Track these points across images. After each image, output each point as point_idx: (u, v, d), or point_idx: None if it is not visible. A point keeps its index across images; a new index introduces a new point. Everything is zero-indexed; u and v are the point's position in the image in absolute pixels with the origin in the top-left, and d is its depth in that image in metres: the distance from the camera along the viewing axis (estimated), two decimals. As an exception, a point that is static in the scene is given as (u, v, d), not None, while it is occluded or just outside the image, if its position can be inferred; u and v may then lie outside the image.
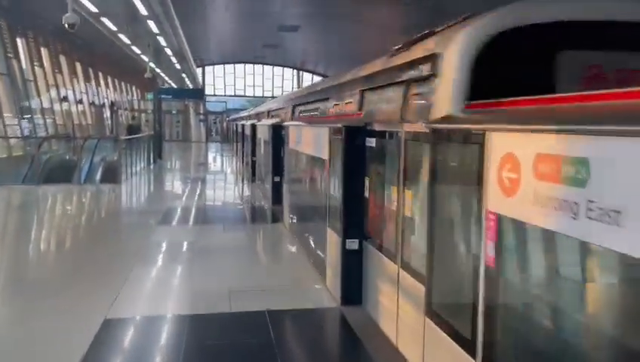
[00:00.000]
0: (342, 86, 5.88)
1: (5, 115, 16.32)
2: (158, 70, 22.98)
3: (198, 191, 13.11)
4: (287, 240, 7.79)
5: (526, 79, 2.72)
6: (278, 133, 10.55)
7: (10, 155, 16.05)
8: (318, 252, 6.15)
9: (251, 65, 48.66)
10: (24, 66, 18.56)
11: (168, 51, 16.32)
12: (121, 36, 13.61)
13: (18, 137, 16.20)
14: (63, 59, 22.79)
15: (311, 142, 6.47)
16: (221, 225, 8.75)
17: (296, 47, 40.34)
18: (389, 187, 4.55)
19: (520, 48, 3.00)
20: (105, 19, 11.12)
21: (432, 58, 3.37)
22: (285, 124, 9.01)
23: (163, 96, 19.04)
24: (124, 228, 8.52)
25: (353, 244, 5.01)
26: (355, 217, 4.98)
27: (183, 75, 25.38)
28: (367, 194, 4.89)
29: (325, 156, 5.68)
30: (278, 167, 10.60)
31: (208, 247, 7.22)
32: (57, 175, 16.10)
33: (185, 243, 7.50)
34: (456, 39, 3.16)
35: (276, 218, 9.45)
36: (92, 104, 25.94)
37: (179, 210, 10.29)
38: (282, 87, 50.29)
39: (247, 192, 13.25)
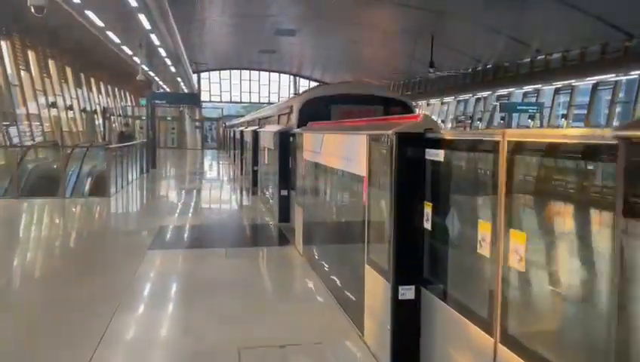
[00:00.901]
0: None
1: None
2: (152, 74, 21.54)
3: (194, 206, 11.70)
4: (303, 270, 6.42)
5: (319, 117, 7.69)
6: (286, 141, 9.21)
7: (-8, 165, 14.60)
8: (349, 293, 4.80)
9: (247, 71, 47.37)
10: (9, 71, 17.14)
11: (162, 52, 14.95)
12: (110, 34, 12.17)
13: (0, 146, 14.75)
14: (51, 63, 21.38)
15: (338, 152, 5.12)
16: (222, 249, 7.37)
17: (293, 52, 39.11)
18: (466, 218, 3.21)
19: (317, 105, 9.07)
20: (90, 13, 9.72)
21: (291, 106, 9.75)
22: (297, 130, 7.64)
23: (157, 101, 17.67)
24: (109, 255, 7.09)
25: (408, 293, 3.66)
26: (412, 256, 3.64)
27: (179, 80, 23.94)
28: (427, 225, 3.55)
29: (362, 171, 4.33)
30: (286, 180, 9.24)
31: (209, 281, 5.85)
32: (43, 186, 14.65)
33: (180, 276, 6.12)
34: (296, 101, 9.98)
35: (285, 239, 8.09)
36: (83, 110, 24.51)
37: (173, 228, 8.90)
38: (279, 93, 48.98)
39: (248, 206, 11.87)
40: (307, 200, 6.92)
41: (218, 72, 46.12)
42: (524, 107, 20.04)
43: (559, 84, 22.06)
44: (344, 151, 4.87)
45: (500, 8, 20.79)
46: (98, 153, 17.00)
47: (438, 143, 3.46)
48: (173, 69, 19.85)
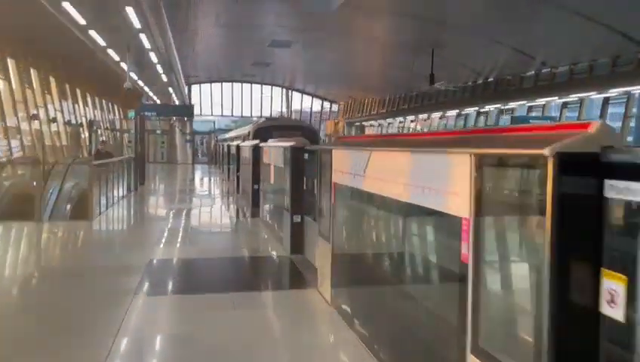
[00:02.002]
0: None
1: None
2: (141, 83, 19.85)
3: (188, 231, 10.04)
4: (336, 327, 4.86)
5: (264, 137, 12.08)
6: (299, 159, 7.70)
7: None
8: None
9: (239, 83, 45.88)
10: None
11: (153, 57, 13.35)
12: (93, 34, 10.56)
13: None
14: (34, 72, 19.69)
15: (403, 177, 3.57)
16: (227, 296, 5.76)
17: (286, 65, 37.72)
18: None
19: (265, 131, 14.16)
20: (67, 4, 8.12)
21: (249, 131, 16.23)
22: (322, 147, 6.08)
23: (147, 113, 16.07)
24: (83, 305, 5.44)
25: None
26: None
27: (170, 90, 22.28)
28: (611, 310, 2.04)
29: (459, 209, 2.81)
30: (299, 204, 7.72)
31: (215, 351, 4.27)
32: (20, 207, 12.89)
33: (176, 342, 4.52)
34: (253, 126, 16.58)
35: (301, 278, 6.54)
36: (68, 123, 22.76)
37: (165, 263, 7.29)
38: (271, 106, 47.52)
39: (250, 232, 10.27)
40: (340, 235, 5.37)
41: (209, 84, 44.56)
42: (537, 121, 18.78)
43: (569, 97, 20.84)
44: (417, 177, 3.34)
45: (503, 19, 19.60)
46: (82, 169, 15.35)
47: (629, 170, 1.97)
48: (164, 78, 18.20)
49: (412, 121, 32.70)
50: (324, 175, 5.95)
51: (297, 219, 7.72)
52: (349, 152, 4.90)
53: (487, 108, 26.15)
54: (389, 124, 35.31)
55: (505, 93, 24.68)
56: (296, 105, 47.79)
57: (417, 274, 3.80)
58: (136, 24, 8.82)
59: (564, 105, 21.40)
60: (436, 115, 30.66)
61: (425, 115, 30.66)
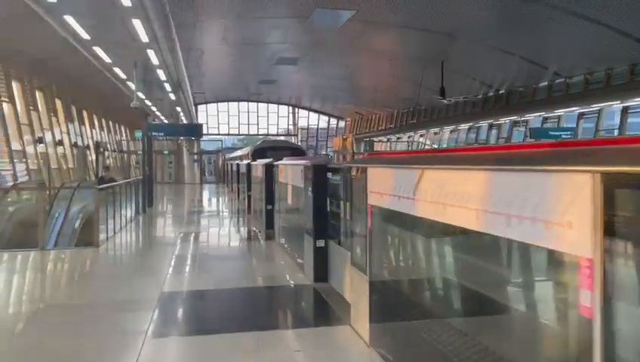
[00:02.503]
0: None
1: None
2: (148, 103, 19.27)
3: (201, 258, 9.33)
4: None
5: (261, 156, 16.24)
6: (322, 178, 7.03)
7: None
8: None
9: (245, 102, 45.54)
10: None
11: (161, 74, 12.74)
12: (98, 50, 9.95)
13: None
14: (39, 95, 19.24)
15: (476, 201, 2.87)
16: (249, 335, 5.04)
17: (293, 82, 37.32)
18: None
19: (261, 152, 18.95)
20: (70, 18, 7.54)
21: (248, 152, 21.17)
22: (354, 164, 5.38)
23: (155, 133, 15.48)
24: (88, 353, 4.72)
25: None
26: None
27: (178, 109, 21.71)
28: None
29: (578, 246, 2.12)
30: (322, 228, 7.03)
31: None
32: (24, 233, 12.32)
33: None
34: (251, 148, 21.86)
35: (330, 311, 5.84)
36: (74, 145, 22.27)
37: (179, 297, 6.60)
38: (277, 124, 47.11)
39: (266, 257, 9.56)
40: (379, 265, 4.66)
41: (216, 104, 44.22)
42: (557, 132, 18.09)
43: (589, 107, 20.15)
44: (499, 202, 2.65)
45: (513, 28, 19.02)
46: (88, 192, 14.77)
47: None
48: (172, 96, 17.61)
49: (421, 136, 32.06)
50: (355, 196, 5.27)
51: (321, 243, 7.03)
52: (390, 171, 4.22)
53: (501, 120, 25.48)
54: (397, 138, 34.69)
55: (518, 105, 24.06)
56: (302, 122, 47.36)
57: (492, 319, 3.10)
58: (144, 38, 8.25)
59: (581, 115, 20.72)
60: (447, 128, 30.03)
61: (436, 129, 29.99)
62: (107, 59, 10.85)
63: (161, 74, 12.40)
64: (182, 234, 11.74)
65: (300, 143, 47.02)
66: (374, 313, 4.65)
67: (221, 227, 13.94)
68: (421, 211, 3.60)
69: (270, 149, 18.69)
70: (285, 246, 9.42)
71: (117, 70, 12.63)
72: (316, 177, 7.04)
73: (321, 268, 7.00)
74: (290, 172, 8.78)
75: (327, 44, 25.59)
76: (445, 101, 25.57)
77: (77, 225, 13.89)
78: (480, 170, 2.81)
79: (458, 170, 3.04)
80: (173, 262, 8.69)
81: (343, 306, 5.67)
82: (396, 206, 4.05)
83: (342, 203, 6.36)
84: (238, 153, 26.36)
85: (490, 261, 3.16)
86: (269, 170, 12.02)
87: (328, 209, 6.99)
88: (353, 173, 5.28)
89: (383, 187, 4.35)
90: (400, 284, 4.43)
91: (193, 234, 12.06)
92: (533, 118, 23.26)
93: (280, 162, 10.29)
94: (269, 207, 12.03)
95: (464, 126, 28.56)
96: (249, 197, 16.43)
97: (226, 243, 11.49)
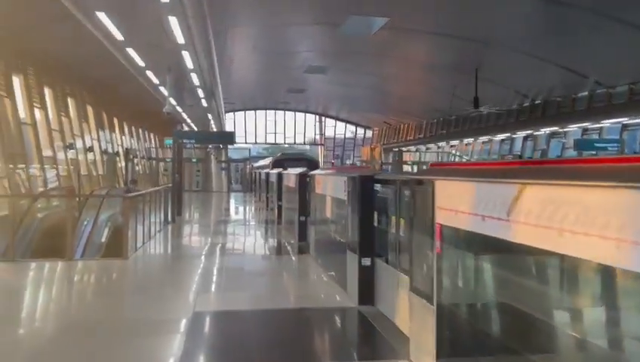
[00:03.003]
0: None
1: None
2: (179, 109, 18.85)
3: (233, 273, 8.69)
4: None
5: (279, 167, 18.00)
6: (368, 190, 6.39)
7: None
8: None
9: (272, 111, 45.26)
10: (20, 108, 14.78)
11: (195, 79, 12.24)
12: (131, 52, 9.52)
13: None
14: (71, 101, 19.09)
15: (611, 228, 2.20)
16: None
17: (321, 90, 36.82)
18: None
19: (280, 162, 22.26)
20: (103, 16, 7.09)
21: (269, 163, 25.58)
22: (423, 177, 4.65)
23: (185, 140, 15.05)
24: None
25: None
26: None
27: (209, 116, 21.29)
28: None
29: None
30: (368, 245, 6.38)
31: None
32: (53, 241, 11.91)
33: None
34: (272, 159, 26.47)
35: (382, 341, 5.19)
36: (104, 152, 22.10)
37: (213, 318, 6.00)
38: (304, 133, 46.68)
39: (302, 271, 8.93)
40: (451, 295, 3.98)
41: (243, 112, 44.02)
42: (603, 144, 17.11)
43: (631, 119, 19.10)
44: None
45: (551, 35, 18.13)
46: (117, 199, 14.39)
47: None
48: (204, 103, 17.13)
49: (452, 147, 31.18)
50: (414, 212, 4.60)
51: (367, 261, 6.37)
52: (471, 185, 3.55)
53: (541, 131, 24.47)
54: (427, 149, 33.85)
55: (556, 115, 23.05)
56: (329, 132, 46.85)
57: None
58: (180, 39, 7.76)
59: (625, 127, 19.65)
60: (480, 139, 29.10)
61: (470, 140, 29.05)
62: (140, 63, 10.43)
63: (195, 79, 11.91)
64: (212, 246, 11.20)
65: (325, 153, 46.52)
66: (443, 349, 3.96)
67: (251, 238, 13.38)
68: (519, 236, 2.93)
69: (287, 160, 22.27)
70: (321, 261, 8.79)
71: (150, 74, 12.21)
72: (362, 189, 6.40)
73: (367, 289, 6.33)
74: (331, 183, 8.16)
75: (357, 52, 25.02)
76: (483, 110, 24.76)
77: (105, 233, 13.50)
78: (628, 188, 2.13)
79: (589, 186, 2.36)
80: (203, 277, 8.13)
81: (396, 335, 5.01)
82: (479, 227, 3.37)
83: (393, 218, 5.71)
84: (261, 163, 29.62)
85: (617, 305, 2.47)
86: (303, 179, 11.46)
87: (376, 224, 6.34)
88: (413, 185, 4.61)
89: (458, 204, 3.69)
90: (478, 318, 3.75)
91: (223, 246, 11.51)
92: (573, 130, 22.24)
93: (317, 172, 9.69)
94: (302, 218, 11.43)
95: (496, 137, 27.62)
96: (279, 207, 15.87)
97: (258, 256, 10.89)
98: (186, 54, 9.02)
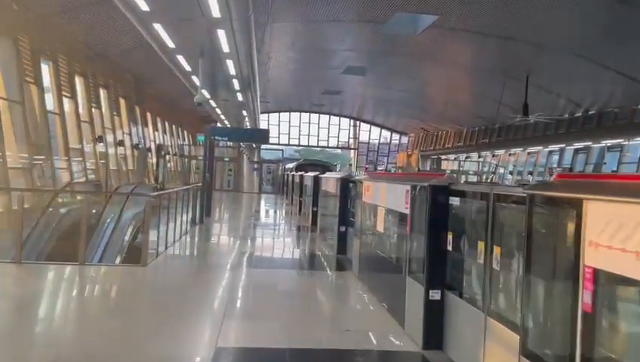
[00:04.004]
0: None
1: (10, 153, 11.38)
2: (213, 104, 17.56)
3: (265, 294, 7.07)
4: None
5: (301, 170, 22.87)
6: (441, 206, 4.99)
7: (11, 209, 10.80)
8: None
9: (307, 113, 44.06)
10: (48, 95, 13.85)
11: (230, 66, 10.80)
12: (158, 29, 8.20)
13: (17, 189, 11.07)
14: (103, 92, 18.19)
15: None
16: None
17: (357, 93, 35.40)
18: None
19: (302, 167, 25.70)
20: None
21: (294, 165, 28.86)
22: (558, 194, 3.20)
23: (218, 137, 13.88)
24: None
25: None
26: None
27: (244, 113, 19.92)
28: None
29: None
30: (439, 274, 4.98)
31: None
32: (74, 239, 10.83)
33: None
34: (296, 163, 28.78)
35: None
36: (135, 147, 21.18)
37: (240, 358, 4.68)
38: (338, 137, 45.29)
39: (347, 300, 7.51)
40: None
41: (277, 113, 42.93)
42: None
43: None
44: None
45: (613, 39, 16.28)
46: (148, 192, 13.29)
47: None
48: (240, 97, 15.77)
49: (494, 156, 29.32)
50: (533, 242, 3.18)
51: (436, 295, 4.96)
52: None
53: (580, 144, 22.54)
54: (466, 158, 32.04)
55: (612, 127, 21.12)
56: (363, 136, 45.40)
57: None
58: (215, 12, 6.51)
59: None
60: (520, 149, 27.19)
61: (518, 149, 27.11)
62: (170, 43, 9.19)
63: (231, 66, 10.58)
64: (239, 255, 9.90)
65: (358, 157, 45.09)
66: None
67: (283, 248, 12.01)
68: None
69: (309, 165, 25.93)
70: (367, 282, 7.39)
71: (181, 60, 10.89)
72: (434, 202, 5.00)
73: (434, 330, 4.94)
74: (385, 192, 6.75)
75: (399, 53, 23.53)
76: (530, 119, 23.03)
77: (129, 233, 12.38)
78: None
79: None
80: (229, 296, 6.82)
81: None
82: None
83: (480, 244, 4.29)
84: (289, 165, 30.78)
85: None
86: (345, 185, 10.11)
87: (450, 249, 4.91)
88: (532, 204, 3.18)
89: (628, 239, 2.25)
90: None
91: (252, 256, 10.17)
92: (631, 144, 20.29)
93: (366, 178, 8.30)
94: (343, 228, 10.07)
95: (547, 148, 25.70)
96: (314, 212, 14.55)
97: (291, 271, 9.46)
98: (221, 33, 7.72)
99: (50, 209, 12.70)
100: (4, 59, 11.31)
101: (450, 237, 4.87)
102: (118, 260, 10.52)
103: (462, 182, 10.29)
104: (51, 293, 6.89)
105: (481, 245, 4.21)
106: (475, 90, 27.38)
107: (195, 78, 12.04)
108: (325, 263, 9.96)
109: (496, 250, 3.94)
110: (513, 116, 22.03)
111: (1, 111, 10.95)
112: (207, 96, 14.22)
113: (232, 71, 11.29)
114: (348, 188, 9.76)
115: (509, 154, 28.15)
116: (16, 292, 6.63)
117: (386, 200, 6.62)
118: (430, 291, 4.91)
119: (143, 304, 6.39)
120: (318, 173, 15.77)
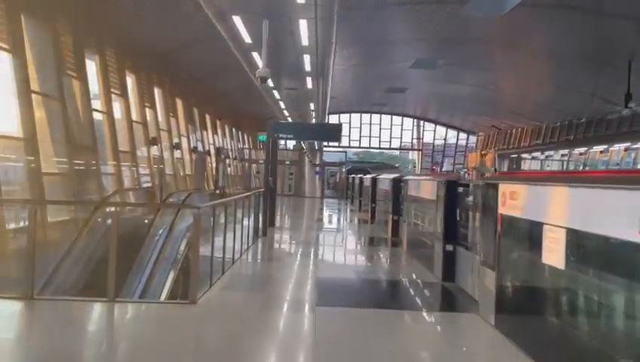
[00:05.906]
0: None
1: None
2: (276, 95, 14.91)
3: (352, 350, 4.71)
4: None
5: (355, 173, 25.79)
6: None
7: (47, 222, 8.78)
8: None
9: (367, 114, 41.48)
10: (94, 93, 12.03)
11: (304, 37, 7.87)
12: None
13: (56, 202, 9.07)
14: (157, 91, 16.40)
15: None
16: None
17: (421, 91, 32.32)
18: None
19: (354, 170, 29.33)
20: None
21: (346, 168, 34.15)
22: None
23: (282, 135, 11.53)
24: None
25: None
26: None
27: (311, 107, 17.08)
28: None
29: None
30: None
31: None
32: (122, 254, 8.67)
33: None
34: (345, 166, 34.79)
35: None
36: (193, 150, 19.35)
37: None
38: (401, 138, 42.38)
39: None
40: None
41: (337, 115, 40.57)
42: None
43: None
44: None
45: None
46: (204, 200, 11.14)
47: None
48: (310, 83, 12.98)
49: (581, 154, 25.55)
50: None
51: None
52: None
53: None
54: (546, 157, 28.36)
55: None
56: (427, 137, 42.27)
57: None
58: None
59: None
60: (618, 146, 23.34)
61: (621, 145, 23.29)
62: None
63: (304, 37, 7.94)
64: (315, 284, 7.30)
65: (422, 159, 42.06)
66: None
67: (367, 273, 8.90)
68: None
69: (356, 170, 27.78)
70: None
71: (240, 28, 8.06)
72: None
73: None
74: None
75: (475, 40, 20.48)
76: (624, 112, 19.56)
77: (182, 249, 10.24)
78: None
79: None
80: (305, 354, 4.34)
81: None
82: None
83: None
84: (355, 167, 32.12)
85: None
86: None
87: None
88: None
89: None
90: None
91: (333, 287, 7.39)
92: None
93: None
94: (450, 248, 7.34)
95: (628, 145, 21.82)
96: (394, 222, 11.92)
97: (383, 308, 6.61)
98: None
99: (99, 219, 10.63)
100: (38, 48, 9.45)
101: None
102: (167, 287, 8.35)
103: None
104: (50, 350, 4.55)
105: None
106: (559, 80, 23.80)
107: (255, 55, 9.30)
108: (424, 294, 7.32)
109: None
110: (616, 106, 18.56)
111: (33, 108, 9.03)
112: (271, 85, 11.83)
113: (305, 41, 8.54)
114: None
115: (601, 152, 24.33)
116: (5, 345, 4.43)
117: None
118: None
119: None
120: (395, 175, 13.46)
